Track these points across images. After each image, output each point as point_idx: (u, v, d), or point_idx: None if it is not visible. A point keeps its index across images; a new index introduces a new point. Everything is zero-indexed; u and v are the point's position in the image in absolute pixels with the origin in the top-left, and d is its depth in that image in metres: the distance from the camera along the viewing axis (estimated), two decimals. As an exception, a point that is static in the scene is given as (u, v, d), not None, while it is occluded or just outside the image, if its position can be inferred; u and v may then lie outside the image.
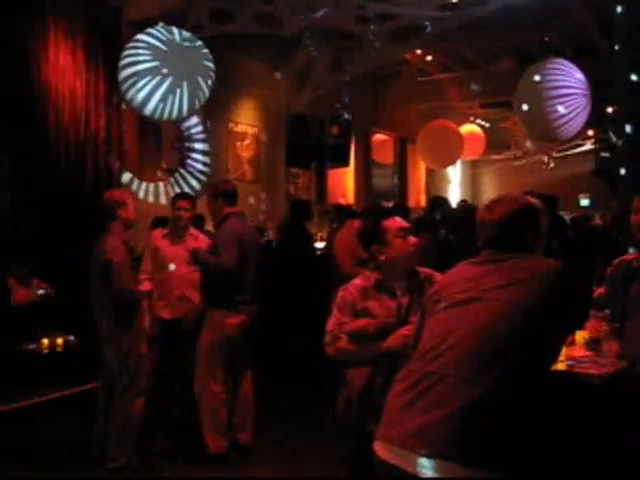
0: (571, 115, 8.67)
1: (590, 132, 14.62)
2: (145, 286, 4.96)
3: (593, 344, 3.68)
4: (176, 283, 5.55)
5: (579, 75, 8.92)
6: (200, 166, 10.17)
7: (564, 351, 3.32)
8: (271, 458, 5.04)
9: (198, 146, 10.18)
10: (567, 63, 9.08)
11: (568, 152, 15.84)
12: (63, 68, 7.98)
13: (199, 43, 7.24)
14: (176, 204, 5.66)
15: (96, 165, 8.29)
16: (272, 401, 5.97)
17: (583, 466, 3.02)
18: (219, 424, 4.89)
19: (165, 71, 6.87)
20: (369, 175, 14.58)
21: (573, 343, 3.67)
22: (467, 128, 14.77)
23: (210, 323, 4.92)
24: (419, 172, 16.57)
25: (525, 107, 8.90)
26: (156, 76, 6.93)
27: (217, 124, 10.67)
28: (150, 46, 6.96)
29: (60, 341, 6.70)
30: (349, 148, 12.11)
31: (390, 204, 10.99)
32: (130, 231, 5.13)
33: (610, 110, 11.22)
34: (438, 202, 7.88)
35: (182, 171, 10.02)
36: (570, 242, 7.15)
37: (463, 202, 10.04)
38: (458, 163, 16.30)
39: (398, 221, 3.42)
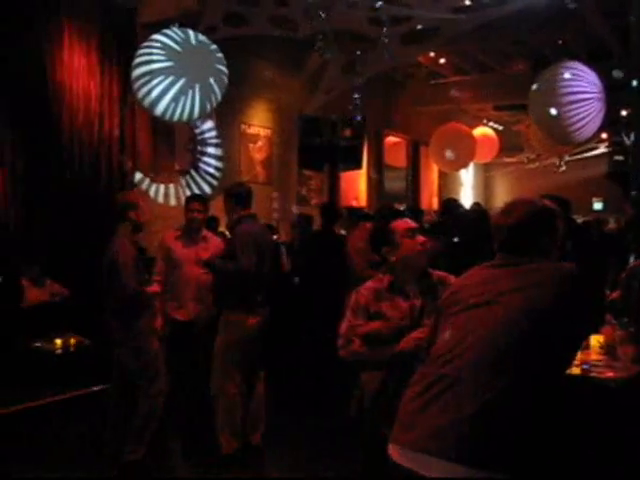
0: (585, 119, 8.64)
1: (604, 135, 14.53)
2: (153, 287, 4.96)
3: (608, 348, 3.66)
4: (189, 285, 5.56)
5: (594, 79, 8.89)
6: (212, 169, 10.19)
7: (579, 355, 3.31)
8: (283, 458, 5.04)
9: (211, 148, 10.20)
10: (581, 66, 9.04)
11: (581, 155, 15.76)
12: (77, 69, 8.03)
13: (214, 47, 7.26)
14: (189, 206, 5.68)
15: (109, 166, 8.33)
16: (284, 402, 5.97)
17: (598, 470, 3.00)
18: (234, 425, 4.89)
19: (179, 71, 6.89)
20: (381, 177, 14.57)
21: (588, 347, 3.65)
22: (480, 131, 14.74)
23: (226, 325, 4.92)
24: (431, 175, 16.54)
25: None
26: (169, 76, 6.95)
27: (230, 126, 10.69)
28: (165, 46, 6.99)
29: (73, 342, 6.71)
30: (361, 150, 12.11)
31: (402, 207, 10.98)
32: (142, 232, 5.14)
33: (624, 113, 11.19)
34: (450, 205, 7.86)
35: (193, 173, 10.04)
36: (583, 245, 7.11)
37: (476, 205, 10.01)
38: (471, 166, 16.26)
39: (406, 222, 3.44)
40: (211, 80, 7.18)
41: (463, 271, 2.55)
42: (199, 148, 10.11)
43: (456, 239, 6.28)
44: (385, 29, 9.22)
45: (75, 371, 6.36)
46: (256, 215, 5.30)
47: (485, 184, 19.17)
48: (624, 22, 8.43)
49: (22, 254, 7.38)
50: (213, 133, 10.15)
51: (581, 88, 8.72)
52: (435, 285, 3.30)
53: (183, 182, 9.87)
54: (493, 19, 9.07)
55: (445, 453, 2.05)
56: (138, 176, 9.08)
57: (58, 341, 6.67)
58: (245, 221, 4.99)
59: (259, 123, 11.44)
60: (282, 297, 6.51)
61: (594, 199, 16.94)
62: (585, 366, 3.41)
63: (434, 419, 2.12)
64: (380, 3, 8.35)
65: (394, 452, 2.22)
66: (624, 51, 10.85)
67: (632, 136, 8.51)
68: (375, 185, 14.24)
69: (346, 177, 13.08)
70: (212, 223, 8.55)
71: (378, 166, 14.38)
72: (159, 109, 7.12)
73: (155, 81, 6.96)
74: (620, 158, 14.45)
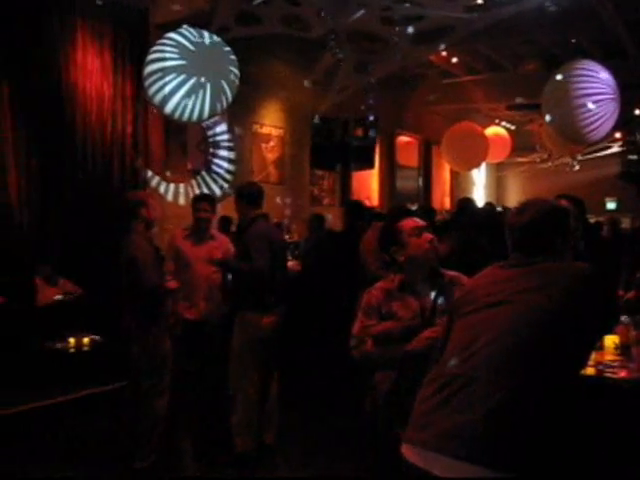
0: (600, 119, 8.59)
1: (617, 134, 14.46)
2: (172, 283, 4.97)
3: (623, 349, 3.64)
4: (200, 284, 5.57)
5: (608, 79, 8.83)
6: (223, 171, 10.19)
7: (593, 355, 3.29)
8: (296, 458, 5.04)
9: (223, 151, 10.21)
10: (595, 66, 8.99)
11: (594, 154, 15.68)
12: (91, 70, 8.07)
13: (227, 48, 7.27)
14: (197, 205, 5.69)
15: (122, 165, 8.37)
16: (297, 401, 5.98)
17: (611, 471, 2.98)
18: (250, 424, 4.89)
19: (191, 70, 6.90)
20: (393, 177, 14.55)
21: (602, 348, 3.63)
22: (492, 130, 14.69)
23: (242, 325, 4.92)
24: (444, 174, 16.52)
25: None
26: (181, 74, 6.96)
27: (242, 126, 10.71)
28: (178, 44, 7.00)
29: (86, 340, 6.75)
30: (374, 150, 12.09)
31: (414, 206, 10.95)
32: (154, 230, 5.16)
33: (638, 112, 11.13)
34: (466, 204, 7.83)
35: (204, 173, 10.04)
36: (597, 245, 7.07)
37: (489, 205, 9.98)
38: (483, 165, 16.21)
39: (412, 221, 3.44)
40: (222, 81, 7.19)
41: (476, 270, 2.54)
42: (211, 150, 10.13)
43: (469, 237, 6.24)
44: (397, 28, 9.21)
45: (88, 370, 6.40)
46: (268, 215, 5.30)
47: (497, 184, 19.12)
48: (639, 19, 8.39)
49: (35, 253, 7.42)
50: (226, 136, 10.16)
51: (595, 90, 8.66)
52: (447, 285, 3.30)
53: (193, 182, 9.89)
54: (506, 18, 9.03)
55: (459, 453, 2.04)
56: (150, 175, 9.11)
57: (71, 340, 6.71)
58: (257, 221, 5.00)
59: (271, 123, 11.46)
60: (296, 296, 6.51)
61: (607, 199, 16.86)
62: (599, 366, 3.39)
63: (448, 419, 2.11)
64: (392, 3, 8.33)
65: (407, 452, 2.21)
66: (639, 50, 10.82)
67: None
68: (387, 185, 14.23)
69: (358, 177, 13.08)
70: (225, 223, 8.58)
71: (390, 166, 14.37)
72: (169, 107, 7.13)
73: (166, 79, 6.97)
74: (634, 157, 14.39)
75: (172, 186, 9.55)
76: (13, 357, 6.22)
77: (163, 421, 4.79)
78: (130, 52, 8.43)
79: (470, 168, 15.11)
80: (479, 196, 17.29)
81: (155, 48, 7.13)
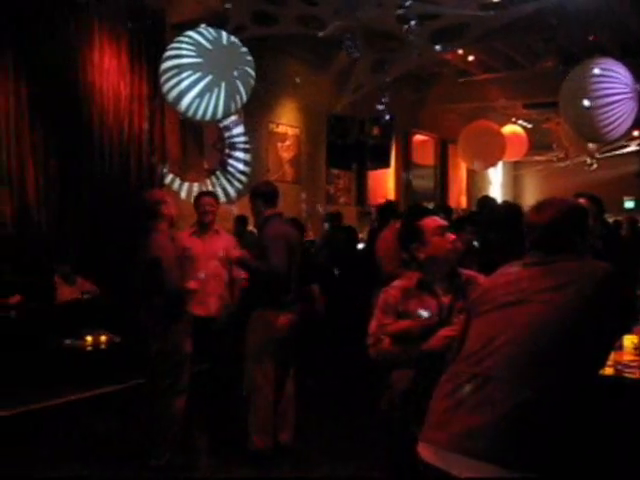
0: (619, 118, 8.53)
1: (635, 133, 14.34)
2: (192, 283, 4.97)
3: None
4: (207, 280, 5.56)
5: (626, 78, 8.76)
6: (239, 173, 10.19)
7: (612, 355, 3.27)
8: (312, 457, 5.03)
9: (240, 153, 10.21)
10: (613, 65, 8.92)
11: (612, 153, 15.56)
12: (107, 70, 8.12)
13: (244, 49, 7.29)
14: (200, 201, 5.69)
15: (139, 165, 8.41)
16: (313, 400, 5.97)
17: (631, 471, 2.96)
18: (266, 423, 4.89)
19: (206, 68, 6.92)
20: (409, 176, 14.52)
21: (622, 348, 3.60)
22: (509, 129, 14.61)
23: (259, 323, 4.91)
24: (460, 173, 16.46)
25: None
26: (196, 72, 6.98)
27: (258, 125, 10.73)
28: (196, 42, 7.03)
29: (104, 339, 6.77)
30: (390, 149, 12.08)
31: (430, 205, 10.93)
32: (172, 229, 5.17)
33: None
34: (487, 202, 7.81)
35: (219, 174, 10.05)
36: (614, 244, 7.02)
37: (505, 203, 9.92)
38: (499, 164, 16.13)
39: (436, 220, 3.41)
40: (238, 81, 7.20)
41: (493, 268, 2.53)
42: (227, 151, 10.14)
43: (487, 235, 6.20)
44: (413, 27, 9.18)
45: (105, 368, 6.43)
46: (283, 214, 5.30)
47: (514, 182, 19.02)
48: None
49: (54, 252, 7.47)
50: (242, 138, 10.16)
51: (613, 90, 8.60)
52: (464, 284, 3.28)
53: (208, 182, 9.90)
54: (522, 16, 8.99)
55: (477, 453, 2.03)
56: (165, 172, 9.13)
57: (89, 338, 6.75)
58: (273, 220, 5.00)
59: (287, 122, 11.47)
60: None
61: (625, 198, 16.71)
62: (618, 366, 3.37)
63: (466, 419, 2.10)
64: (409, 2, 8.31)
65: (424, 451, 2.21)
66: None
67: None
68: (403, 184, 14.20)
69: (374, 176, 13.06)
70: (241, 222, 8.60)
71: (406, 165, 14.34)
72: (183, 104, 7.14)
73: (182, 75, 7.00)
74: (652, 156, 14.26)
75: (186, 185, 9.56)
76: (31, 355, 6.26)
77: (180, 421, 4.80)
78: (146, 52, 8.47)
79: (487, 167, 15.04)
80: (496, 195, 17.18)
81: (172, 45, 7.17)
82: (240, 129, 10.12)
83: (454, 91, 14.17)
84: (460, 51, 12.13)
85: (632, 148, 15.57)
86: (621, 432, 2.92)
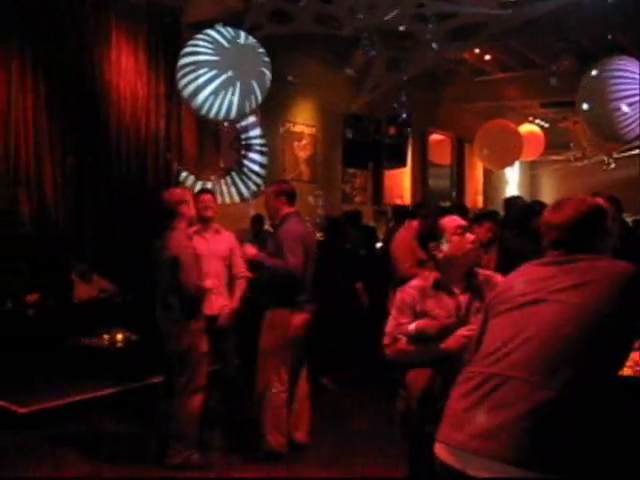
0: (634, 123, 8.47)
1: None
2: (208, 282, 4.97)
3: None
4: (210, 278, 5.55)
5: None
6: (255, 172, 10.18)
7: (631, 356, 3.24)
8: (327, 456, 5.03)
9: (256, 155, 10.19)
10: (630, 64, 8.84)
11: (630, 152, 15.42)
12: (125, 68, 8.16)
13: (262, 50, 7.29)
14: (200, 199, 5.65)
15: (156, 164, 8.44)
16: (328, 400, 5.97)
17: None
18: (280, 423, 4.89)
19: (222, 66, 6.92)
20: (426, 175, 14.48)
21: (640, 348, 3.57)
22: (526, 128, 14.53)
23: (273, 323, 4.91)
24: (476, 172, 16.39)
25: (586, 106, 8.67)
26: (212, 70, 6.98)
27: (274, 124, 10.73)
28: (213, 40, 7.04)
29: (120, 337, 6.79)
30: (406, 148, 12.05)
31: (446, 204, 10.90)
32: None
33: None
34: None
35: (234, 174, 10.04)
36: (633, 244, 6.97)
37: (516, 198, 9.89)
38: (516, 163, 16.05)
39: (456, 219, 3.40)
40: (253, 81, 7.19)
41: (511, 267, 2.51)
42: (243, 152, 10.12)
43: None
44: (430, 26, 9.16)
45: (122, 366, 6.45)
46: (299, 213, 5.30)
47: (531, 182, 18.91)
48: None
49: (71, 251, 7.51)
50: (259, 140, 10.14)
51: (631, 91, 8.52)
52: (481, 284, 3.27)
53: (222, 182, 9.89)
54: (539, 14, 8.94)
55: (495, 454, 2.02)
56: (184, 175, 9.16)
57: (106, 337, 6.77)
58: (290, 219, 4.99)
59: (303, 121, 11.47)
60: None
61: (643, 197, 16.56)
62: (637, 367, 3.34)
63: (483, 419, 2.09)
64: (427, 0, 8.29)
65: (441, 451, 2.20)
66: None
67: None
68: (419, 183, 14.17)
69: (390, 175, 13.03)
70: (258, 222, 8.60)
71: (422, 164, 14.30)
72: (197, 101, 7.14)
73: (199, 72, 7.01)
74: (672, 155, 14.12)
75: (200, 183, 9.55)
76: (48, 353, 6.30)
77: (197, 420, 4.80)
78: (164, 51, 8.50)
79: (504, 166, 14.97)
80: (512, 194, 17.11)
81: (191, 42, 7.19)
82: (257, 131, 10.08)
83: (471, 90, 14.11)
84: (477, 50, 12.08)
85: (651, 147, 15.43)
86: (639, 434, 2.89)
